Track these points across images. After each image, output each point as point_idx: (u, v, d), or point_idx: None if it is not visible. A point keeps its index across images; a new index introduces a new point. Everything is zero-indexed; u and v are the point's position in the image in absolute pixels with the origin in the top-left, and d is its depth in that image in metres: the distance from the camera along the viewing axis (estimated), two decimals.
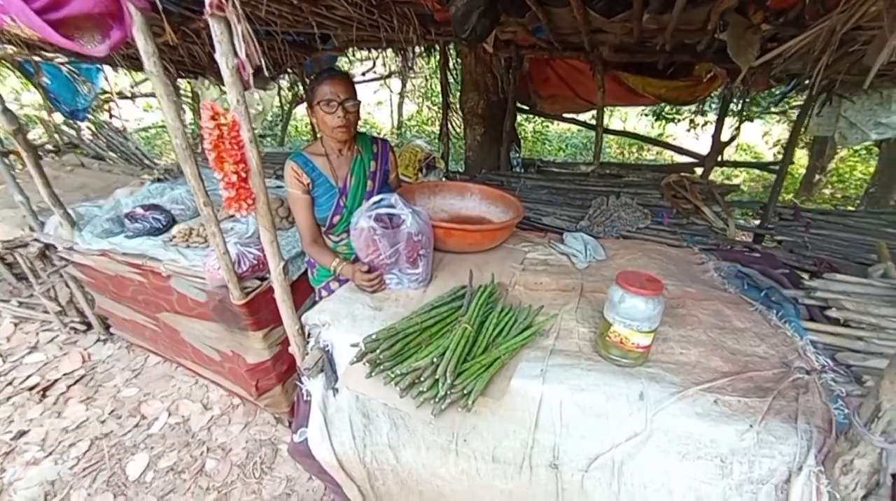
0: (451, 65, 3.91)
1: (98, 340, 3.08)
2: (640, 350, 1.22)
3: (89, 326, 3.10)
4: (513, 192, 2.21)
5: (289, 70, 4.57)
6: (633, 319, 1.18)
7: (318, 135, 1.76)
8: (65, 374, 2.76)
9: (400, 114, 11.23)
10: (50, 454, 2.26)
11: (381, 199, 1.56)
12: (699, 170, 3.53)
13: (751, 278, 1.70)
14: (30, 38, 1.99)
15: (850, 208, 6.86)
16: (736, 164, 5.59)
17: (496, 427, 1.26)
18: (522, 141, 6.14)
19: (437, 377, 1.08)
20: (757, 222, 3.14)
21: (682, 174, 2.98)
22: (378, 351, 1.16)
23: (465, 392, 1.10)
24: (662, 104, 5.91)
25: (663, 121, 7.77)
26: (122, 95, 8.30)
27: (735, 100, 3.32)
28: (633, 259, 1.79)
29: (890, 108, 3.08)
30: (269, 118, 10.56)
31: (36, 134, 5.52)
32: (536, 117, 8.81)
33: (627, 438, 1.15)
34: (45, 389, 2.66)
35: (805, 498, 1.02)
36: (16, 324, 3.22)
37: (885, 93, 3.02)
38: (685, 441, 1.12)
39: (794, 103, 6.61)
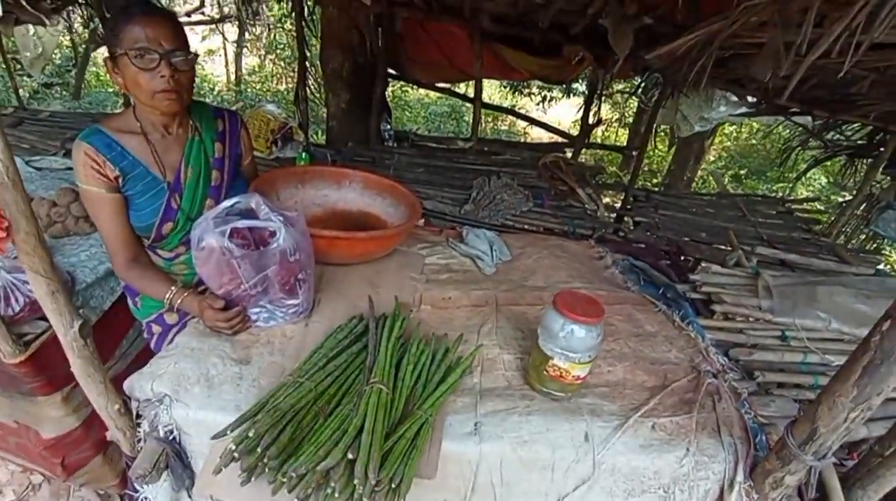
0: (306, 14, 3.30)
1: None
2: (580, 381, 1.08)
3: None
4: (398, 179, 1.90)
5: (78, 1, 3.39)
6: (574, 351, 1.02)
7: (131, 104, 1.21)
8: None
9: (238, 68, 9.66)
10: None
11: (236, 203, 1.12)
12: (567, 150, 3.66)
13: (645, 273, 1.71)
14: None
15: (655, 181, 8.14)
16: (600, 146, 6.07)
17: (423, 499, 1.01)
18: None
19: (355, 481, 0.77)
20: (607, 200, 3.38)
21: (557, 155, 3.01)
22: (259, 450, 0.79)
23: (394, 486, 0.81)
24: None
25: (518, 94, 8.08)
26: None
27: (601, 85, 3.47)
28: (539, 258, 1.66)
29: (711, 106, 3.56)
30: (58, 62, 8.11)
31: None
32: (395, 81, 8.40)
33: (575, 487, 1.02)
34: None
35: None
36: None
37: (710, 93, 3.46)
38: (631, 477, 1.04)
39: (618, 89, 7.45)
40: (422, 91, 10.43)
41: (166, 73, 1.06)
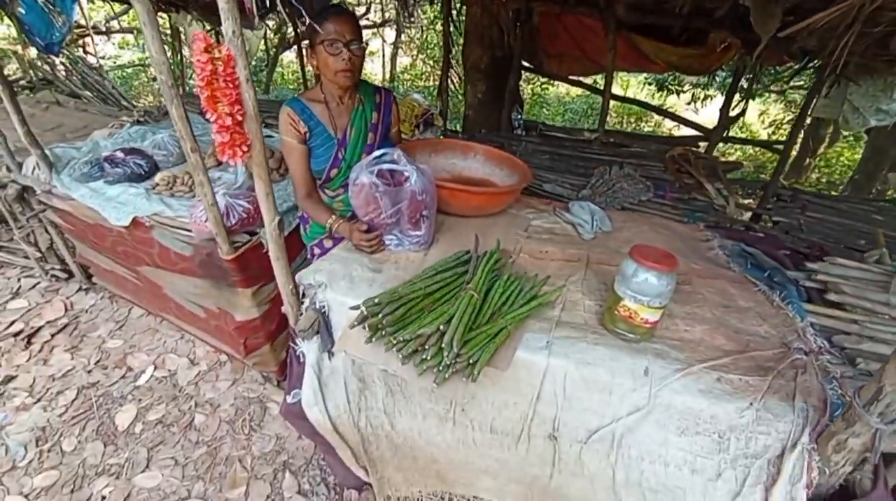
0: (453, 14, 3.69)
1: (80, 289, 2.97)
2: (648, 325, 1.19)
3: (70, 274, 2.98)
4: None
5: (278, 10, 4.27)
6: (644, 294, 1.15)
7: (318, 81, 1.64)
8: (48, 322, 2.68)
9: (393, 66, 10.77)
10: (38, 400, 2.24)
11: (384, 154, 1.47)
12: (702, 145, 3.47)
13: (754, 258, 1.68)
14: None
15: (833, 193, 6.92)
16: (740, 141, 5.50)
17: (496, 398, 1.24)
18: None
19: (442, 346, 1.04)
20: (748, 201, 3.11)
21: (687, 148, 2.92)
22: (380, 316, 1.11)
23: (471, 362, 1.07)
24: (668, 73, 5.72)
25: (665, 92, 7.59)
26: (96, 30, 7.79)
27: (745, 75, 3.20)
28: (639, 232, 1.74)
29: (891, 96, 3.00)
30: (253, 62, 10.02)
31: (10, 69, 5.10)
32: (536, 78, 8.52)
33: (629, 412, 1.14)
34: (30, 336, 2.59)
35: (796, 473, 1.04)
36: None
37: (890, 80, 2.94)
38: (686, 416, 1.12)
39: (793, 84, 6.50)
40: (562, 89, 10.40)
41: (346, 57, 1.46)
